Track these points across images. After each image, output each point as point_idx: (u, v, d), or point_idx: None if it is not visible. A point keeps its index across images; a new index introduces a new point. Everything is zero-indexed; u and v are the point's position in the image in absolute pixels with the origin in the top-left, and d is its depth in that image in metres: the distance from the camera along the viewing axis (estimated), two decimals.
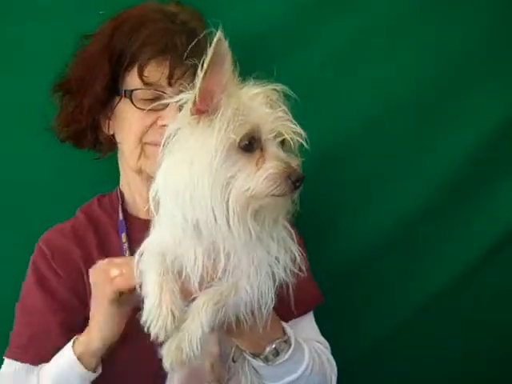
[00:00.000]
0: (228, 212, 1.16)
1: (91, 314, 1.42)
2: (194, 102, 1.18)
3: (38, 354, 1.52)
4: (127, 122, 1.57)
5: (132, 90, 1.54)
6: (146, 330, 1.22)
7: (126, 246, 1.60)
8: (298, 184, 1.17)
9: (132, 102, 1.54)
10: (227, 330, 1.29)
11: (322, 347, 1.60)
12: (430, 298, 2.01)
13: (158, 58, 1.52)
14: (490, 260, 2.00)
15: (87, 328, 1.43)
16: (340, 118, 1.89)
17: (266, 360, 1.39)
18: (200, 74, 1.15)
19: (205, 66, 1.14)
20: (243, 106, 1.18)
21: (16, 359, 1.55)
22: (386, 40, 1.88)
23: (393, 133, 1.92)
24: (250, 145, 1.17)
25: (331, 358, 1.60)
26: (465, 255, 2.00)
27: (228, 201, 1.15)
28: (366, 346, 2.02)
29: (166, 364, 1.23)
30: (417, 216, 1.96)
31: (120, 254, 1.60)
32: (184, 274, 1.24)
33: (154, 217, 1.29)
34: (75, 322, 1.54)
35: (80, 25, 1.67)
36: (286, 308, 1.40)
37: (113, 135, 1.64)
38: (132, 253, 1.47)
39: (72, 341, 1.44)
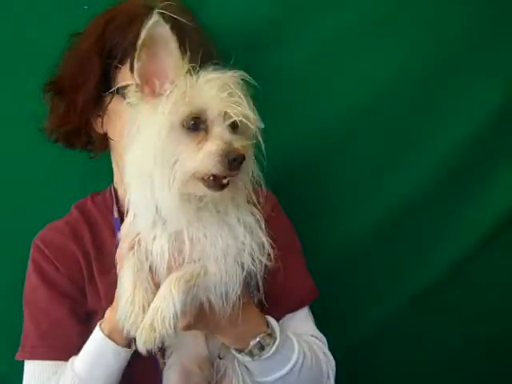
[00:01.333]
0: (177, 192, 1.17)
1: (117, 290, 1.40)
2: (137, 85, 1.21)
3: (54, 348, 1.53)
4: (121, 119, 1.55)
5: (125, 87, 1.52)
6: (120, 324, 1.25)
7: None
8: (235, 163, 1.15)
9: (125, 99, 1.51)
10: (201, 320, 1.28)
11: (318, 341, 1.58)
12: (423, 289, 2.00)
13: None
14: (484, 249, 2.00)
15: (111, 306, 1.42)
16: (333, 110, 1.88)
17: (252, 355, 1.38)
18: (135, 56, 1.20)
19: (137, 48, 1.19)
20: (192, 89, 1.19)
21: (33, 358, 1.55)
22: (382, 29, 1.85)
23: (386, 125, 1.91)
24: (196, 125, 1.18)
25: (328, 352, 1.58)
26: (458, 247, 1.98)
27: (174, 181, 1.17)
28: (356, 342, 1.99)
29: (140, 344, 1.22)
30: (408, 208, 1.95)
31: (115, 252, 1.56)
32: (151, 262, 1.26)
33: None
34: (82, 313, 1.57)
35: (70, 22, 1.67)
36: (279, 304, 1.43)
37: (105, 133, 1.63)
38: None
39: (99, 323, 1.44)
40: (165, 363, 1.50)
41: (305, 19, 1.83)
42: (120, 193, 1.69)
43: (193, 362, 1.43)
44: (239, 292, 1.26)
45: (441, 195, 1.94)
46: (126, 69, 1.52)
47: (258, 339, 1.37)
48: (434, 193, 1.94)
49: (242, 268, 1.25)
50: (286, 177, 1.76)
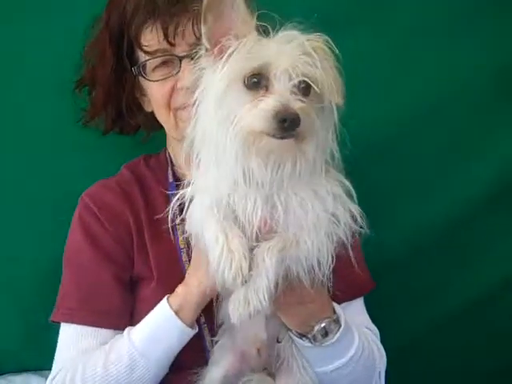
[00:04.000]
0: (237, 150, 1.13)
1: (190, 267, 1.37)
2: (206, 49, 1.18)
3: (94, 313, 1.45)
4: (151, 95, 1.54)
5: (139, 66, 1.50)
6: (219, 277, 1.16)
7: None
8: (286, 124, 1.08)
9: (143, 77, 1.51)
10: (286, 295, 1.21)
11: (372, 334, 1.53)
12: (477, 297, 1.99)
13: (148, 25, 1.46)
14: None
15: (183, 282, 1.37)
16: (395, 110, 1.85)
17: (314, 340, 1.32)
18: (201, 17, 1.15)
19: (203, 9, 1.14)
20: (259, 44, 1.14)
21: (70, 321, 1.47)
22: (447, 29, 1.84)
23: (449, 126, 1.88)
24: (257, 83, 1.13)
25: (381, 346, 1.53)
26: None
27: (235, 137, 1.13)
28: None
29: (234, 319, 1.17)
30: (467, 212, 1.93)
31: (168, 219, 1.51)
32: (240, 224, 1.18)
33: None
34: (126, 277, 1.50)
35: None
36: (339, 286, 1.33)
37: (152, 112, 1.59)
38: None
39: (166, 297, 1.37)
40: (213, 341, 1.43)
41: (370, 17, 1.80)
42: (174, 157, 1.62)
43: (250, 344, 1.35)
44: (331, 267, 1.20)
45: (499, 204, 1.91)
46: (147, 31, 1.46)
47: (323, 324, 1.32)
48: (494, 200, 1.90)
49: (333, 242, 1.19)
50: None
